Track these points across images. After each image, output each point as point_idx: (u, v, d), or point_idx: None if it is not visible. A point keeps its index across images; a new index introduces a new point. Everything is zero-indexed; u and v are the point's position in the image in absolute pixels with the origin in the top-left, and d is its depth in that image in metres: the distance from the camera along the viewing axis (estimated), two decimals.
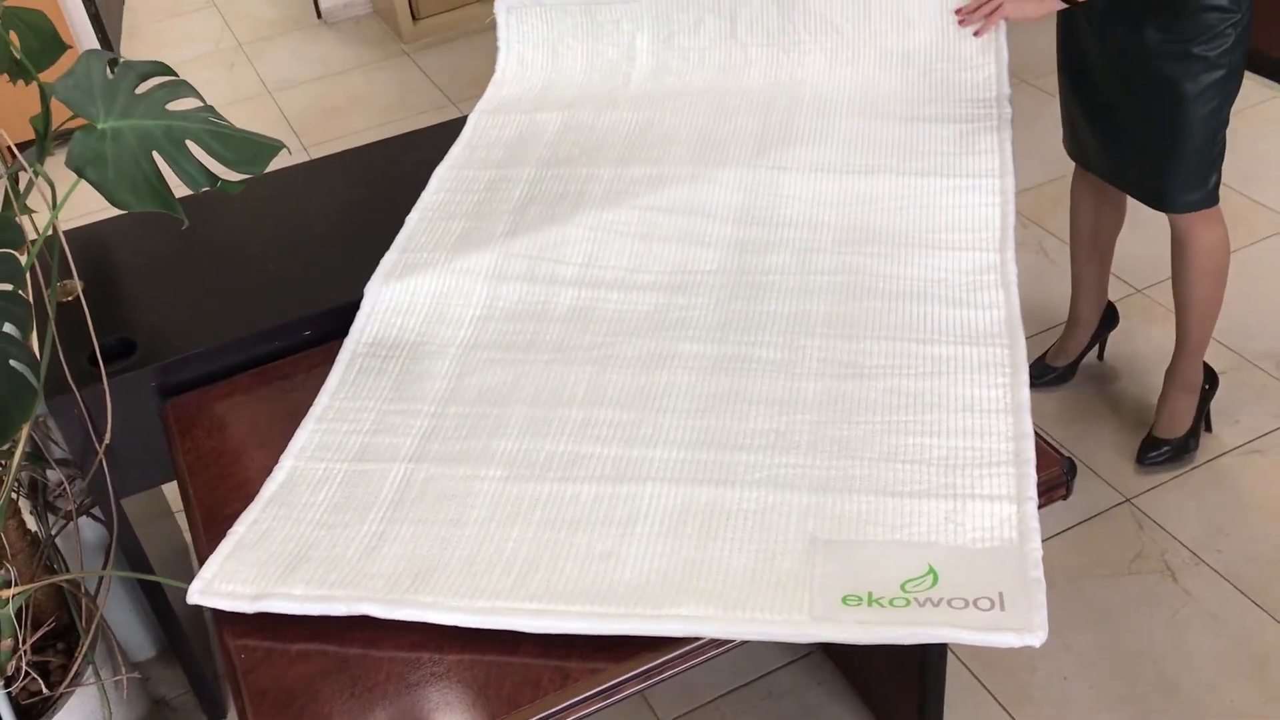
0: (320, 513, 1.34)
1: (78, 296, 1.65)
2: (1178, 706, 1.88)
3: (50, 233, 1.47)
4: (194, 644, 1.93)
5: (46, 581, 1.64)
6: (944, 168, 1.73)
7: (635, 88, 2.01)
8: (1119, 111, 2.00)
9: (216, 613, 1.25)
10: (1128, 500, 2.22)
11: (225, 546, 1.31)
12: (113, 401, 1.54)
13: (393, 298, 1.62)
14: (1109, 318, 2.46)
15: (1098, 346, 2.50)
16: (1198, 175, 1.96)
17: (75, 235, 1.88)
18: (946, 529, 1.22)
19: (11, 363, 1.31)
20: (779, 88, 1.96)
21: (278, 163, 1.54)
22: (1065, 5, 1.84)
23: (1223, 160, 1.98)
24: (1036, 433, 1.32)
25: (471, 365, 1.52)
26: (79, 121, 1.42)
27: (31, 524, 1.73)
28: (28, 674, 1.61)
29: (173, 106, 1.47)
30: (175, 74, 1.53)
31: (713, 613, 1.16)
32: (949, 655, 1.86)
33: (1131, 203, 2.20)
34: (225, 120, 1.49)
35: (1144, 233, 2.55)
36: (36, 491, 1.77)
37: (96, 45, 3.91)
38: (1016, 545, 1.19)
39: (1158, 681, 1.91)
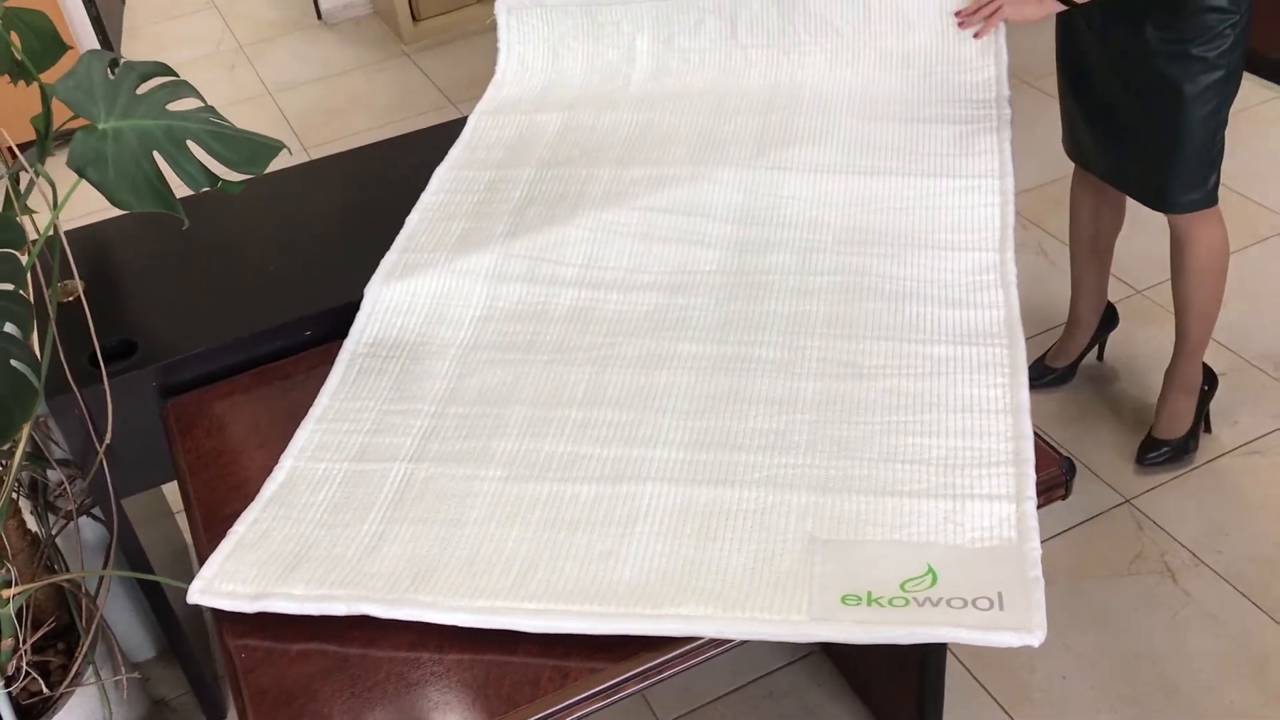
0: (320, 512, 1.34)
1: (78, 296, 1.65)
2: (1177, 707, 1.88)
3: (51, 233, 1.47)
4: (194, 644, 1.93)
5: (47, 581, 1.65)
6: (944, 168, 1.74)
7: (635, 89, 2.02)
8: (1118, 112, 2.00)
9: (217, 612, 1.25)
10: (1127, 501, 2.22)
11: (225, 546, 1.31)
12: (113, 401, 1.54)
13: (393, 298, 1.62)
14: (1109, 319, 2.46)
15: (1097, 347, 2.50)
16: (1197, 176, 1.97)
17: (76, 235, 1.88)
18: (946, 529, 1.22)
19: (12, 362, 1.31)
20: (779, 89, 1.96)
21: (278, 163, 1.54)
22: (1065, 7, 1.84)
23: (1222, 160, 1.98)
24: (1035, 433, 1.32)
25: (471, 365, 1.52)
26: (80, 122, 1.42)
27: (32, 524, 1.74)
28: (28, 674, 1.61)
29: (173, 107, 1.47)
30: (176, 74, 1.53)
31: (712, 612, 1.16)
32: (949, 655, 1.86)
33: (1131, 204, 2.20)
34: (226, 120, 1.49)
35: (1144, 234, 2.55)
36: (37, 491, 1.77)
37: (97, 46, 3.91)
38: (1015, 545, 1.19)
39: (1157, 682, 1.91)
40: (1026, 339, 1.49)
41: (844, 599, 1.15)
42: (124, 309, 1.72)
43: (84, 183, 1.39)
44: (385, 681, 1.17)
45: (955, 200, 1.68)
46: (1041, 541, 1.20)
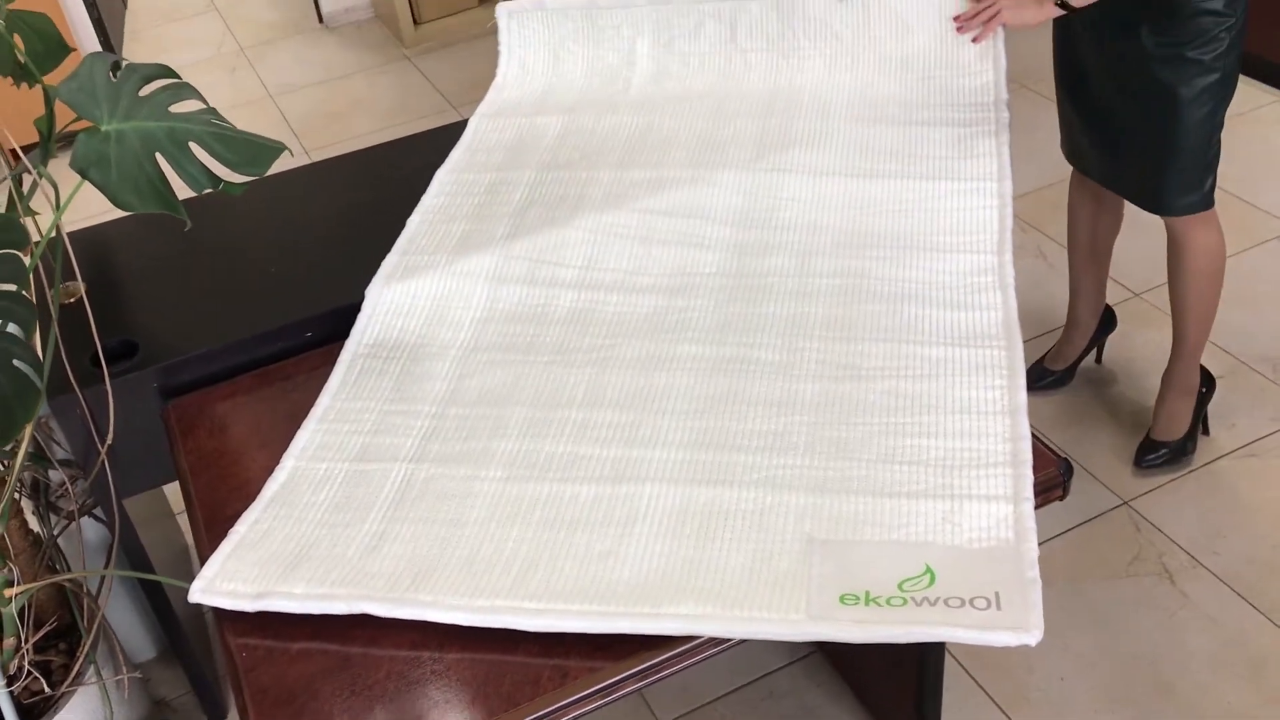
0: (321, 512, 1.34)
1: (80, 298, 1.65)
2: (1175, 708, 1.88)
3: (54, 234, 1.48)
4: (195, 645, 1.93)
5: (48, 581, 1.65)
6: (943, 171, 1.74)
7: (635, 92, 2.02)
8: (1115, 116, 2.01)
9: (218, 611, 1.26)
10: (1125, 503, 2.22)
11: (227, 546, 1.31)
12: (115, 402, 1.55)
13: (393, 300, 1.62)
14: (1107, 321, 2.47)
15: (1096, 350, 2.50)
16: (1193, 178, 1.98)
17: (78, 237, 1.89)
18: (943, 529, 1.23)
19: (15, 363, 1.32)
20: (778, 92, 1.97)
21: (279, 165, 1.55)
22: (1063, 12, 1.85)
23: (1218, 164, 1.99)
24: (1033, 434, 1.33)
25: (472, 367, 1.53)
26: (83, 124, 1.43)
27: (34, 524, 1.74)
28: (30, 673, 1.62)
29: (176, 109, 1.47)
30: (178, 77, 1.54)
31: (711, 612, 1.16)
32: (946, 656, 1.87)
33: (1129, 207, 2.21)
34: (227, 122, 1.50)
35: (1142, 237, 2.56)
36: (39, 492, 1.77)
37: (99, 49, 3.92)
38: (1013, 545, 1.20)
39: (1155, 683, 1.92)
40: (1025, 342, 1.49)
41: (842, 599, 1.16)
42: (126, 310, 1.73)
43: (86, 184, 1.40)
44: (386, 680, 1.18)
45: (954, 203, 1.69)
46: (1040, 543, 1.20)
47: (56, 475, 1.76)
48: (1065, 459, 1.32)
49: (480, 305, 1.62)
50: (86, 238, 1.90)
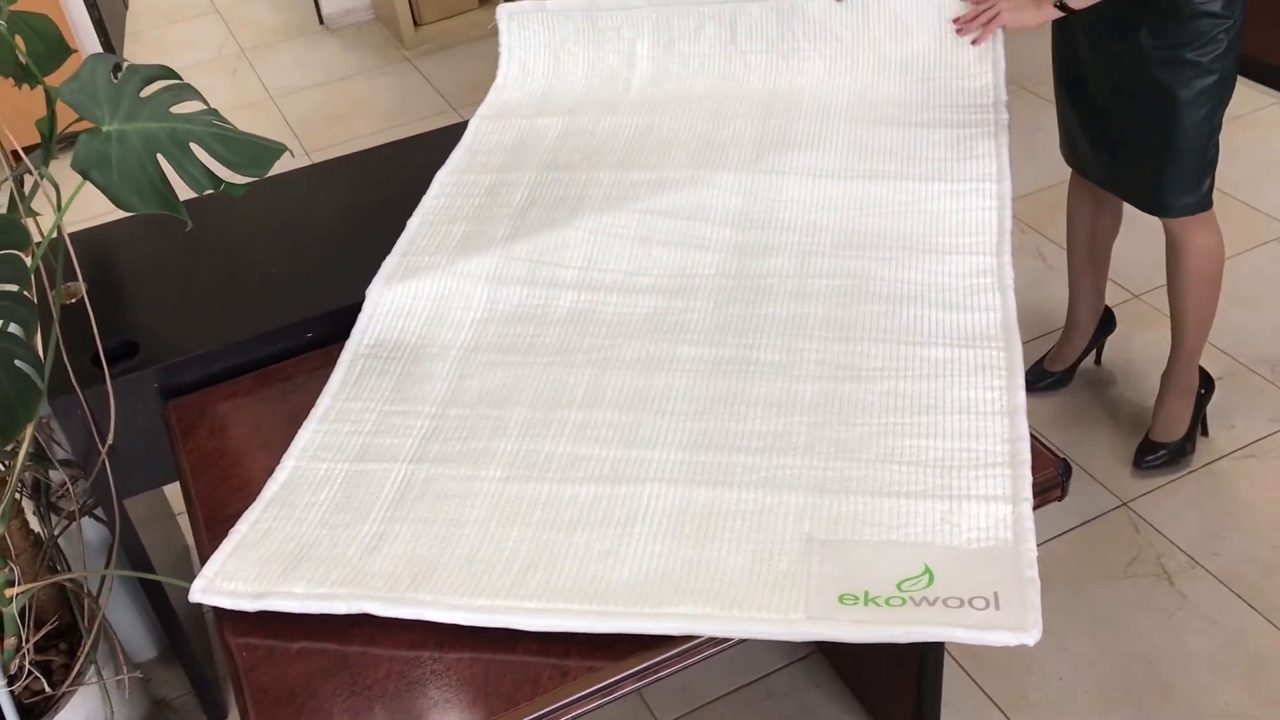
0: (321, 512, 1.35)
1: (82, 298, 1.66)
2: (1173, 708, 1.88)
3: (55, 235, 1.48)
4: (195, 645, 1.94)
5: (49, 581, 1.65)
6: (942, 173, 1.75)
7: (635, 93, 2.03)
8: (1114, 118, 2.02)
9: (218, 611, 1.26)
10: (1124, 504, 2.23)
11: (227, 545, 1.32)
12: (116, 402, 1.55)
13: (394, 300, 1.63)
14: (1106, 323, 2.47)
15: (1095, 351, 2.51)
16: (1192, 180, 1.98)
17: (80, 238, 1.89)
18: (942, 529, 1.23)
19: (16, 363, 1.32)
20: (778, 94, 1.97)
21: (280, 166, 1.55)
22: (1062, 14, 1.85)
23: (1216, 165, 1.99)
24: (1032, 435, 1.33)
25: (472, 367, 1.53)
26: (84, 124, 1.44)
27: (34, 524, 1.74)
28: (30, 673, 1.62)
29: (177, 110, 1.48)
30: (179, 78, 1.54)
31: (710, 612, 1.17)
32: (946, 656, 1.87)
33: (1129, 209, 2.21)
34: (229, 123, 1.50)
35: (1141, 238, 2.57)
36: (39, 492, 1.78)
37: (100, 50, 3.93)
38: (1012, 545, 1.20)
39: (1153, 683, 1.92)
40: (1025, 343, 1.50)
41: (841, 599, 1.16)
42: (127, 310, 1.73)
43: (88, 185, 1.40)
44: (386, 680, 1.18)
45: (953, 204, 1.69)
46: (1039, 543, 1.21)
47: (57, 475, 1.76)
48: (1064, 459, 1.33)
49: (480, 306, 1.63)
50: (88, 238, 1.90)
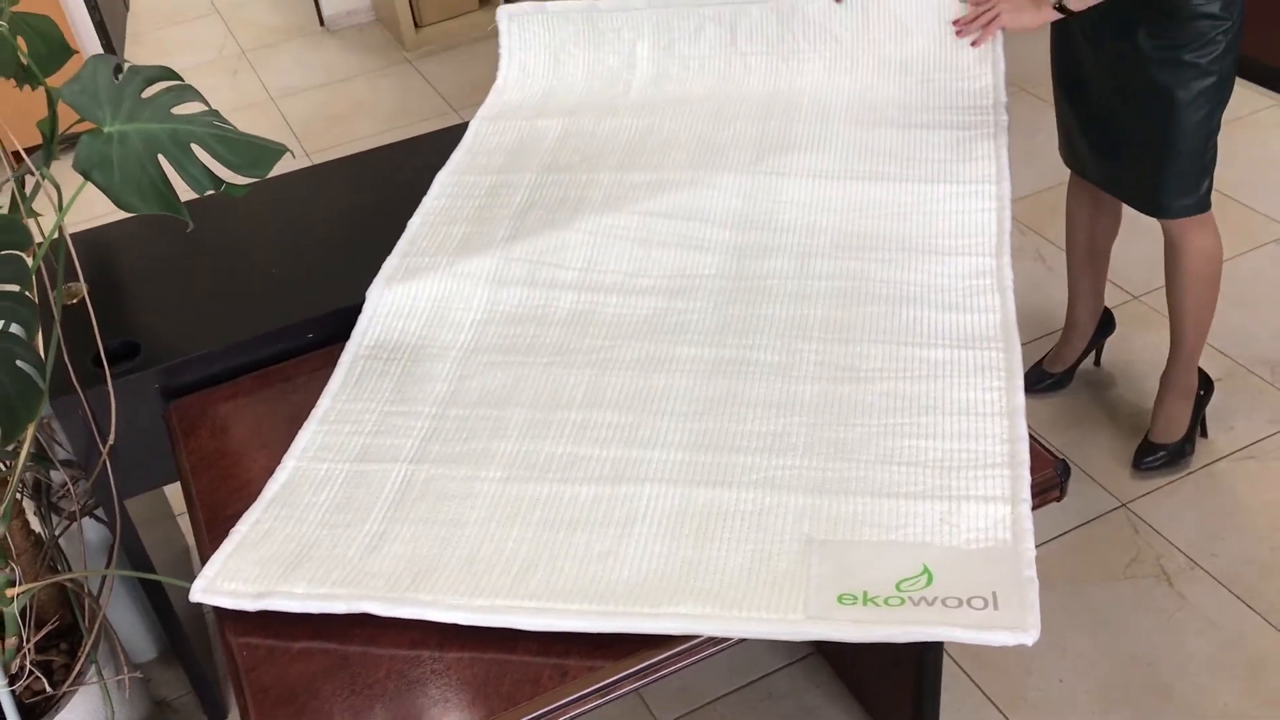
0: (322, 513, 1.35)
1: (83, 299, 1.66)
2: (1172, 709, 1.89)
3: (56, 235, 1.49)
4: (195, 645, 1.94)
5: (50, 581, 1.66)
6: (941, 174, 1.75)
7: (636, 95, 2.03)
8: (1113, 119, 2.02)
9: (219, 611, 1.26)
10: (1124, 505, 2.23)
11: (228, 546, 1.32)
12: (116, 403, 1.55)
13: (394, 301, 1.63)
14: (1105, 324, 2.47)
15: (1094, 352, 2.51)
16: (1190, 181, 1.98)
17: (81, 238, 1.89)
18: (941, 530, 1.23)
19: (18, 363, 1.32)
20: (778, 95, 1.97)
21: (281, 167, 1.55)
22: (1061, 15, 1.86)
23: (1215, 166, 2.00)
24: (1031, 435, 1.33)
25: (472, 368, 1.54)
26: (85, 125, 1.44)
27: (35, 524, 1.75)
28: (31, 673, 1.62)
29: (178, 111, 1.48)
30: (180, 78, 1.55)
31: (710, 611, 1.17)
32: (945, 657, 1.87)
33: (1128, 210, 2.22)
34: (229, 124, 1.51)
35: (1140, 240, 2.57)
36: (40, 492, 1.78)
37: (101, 51, 3.93)
38: (1010, 546, 1.20)
39: (1152, 684, 1.93)
40: (1024, 344, 1.50)
41: (840, 598, 1.16)
42: (128, 311, 1.74)
43: (89, 186, 1.40)
44: (386, 679, 1.18)
45: (952, 205, 1.70)
46: (1038, 544, 1.21)
47: (58, 476, 1.77)
48: (1062, 460, 1.33)
49: (480, 307, 1.63)
50: (89, 239, 1.91)
